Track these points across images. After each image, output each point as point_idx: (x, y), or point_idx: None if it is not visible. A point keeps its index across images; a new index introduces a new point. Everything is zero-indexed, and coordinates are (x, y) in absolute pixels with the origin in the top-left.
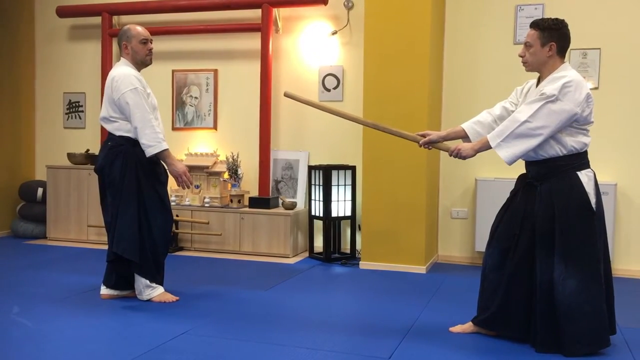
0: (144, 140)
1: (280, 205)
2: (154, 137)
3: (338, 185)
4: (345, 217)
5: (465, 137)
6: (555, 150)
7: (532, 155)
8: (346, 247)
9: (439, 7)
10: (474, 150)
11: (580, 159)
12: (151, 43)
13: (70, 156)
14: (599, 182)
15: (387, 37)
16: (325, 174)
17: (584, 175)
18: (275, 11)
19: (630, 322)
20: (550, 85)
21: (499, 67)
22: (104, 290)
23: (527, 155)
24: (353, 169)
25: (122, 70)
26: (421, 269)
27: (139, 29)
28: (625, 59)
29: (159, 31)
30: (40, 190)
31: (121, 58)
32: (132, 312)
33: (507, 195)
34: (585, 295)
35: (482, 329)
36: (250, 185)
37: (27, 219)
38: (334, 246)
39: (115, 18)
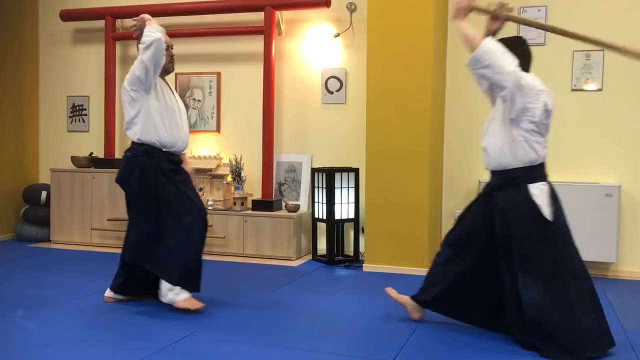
0: (145, 39)
1: (284, 207)
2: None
3: (341, 188)
4: (348, 220)
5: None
6: (509, 160)
7: (486, 163)
8: (349, 249)
9: (442, 8)
10: (463, 26)
11: (533, 172)
12: (172, 49)
13: (74, 159)
14: (603, 184)
15: (390, 39)
16: (328, 176)
17: (535, 188)
18: (278, 14)
19: (635, 324)
20: None
21: None
22: (109, 294)
23: (487, 163)
24: (356, 171)
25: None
26: (425, 271)
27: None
28: (628, 61)
29: None
30: (44, 194)
31: None
32: (135, 315)
33: None
34: (551, 307)
35: (416, 305)
36: (253, 188)
37: (31, 222)
38: (337, 249)
39: (118, 21)
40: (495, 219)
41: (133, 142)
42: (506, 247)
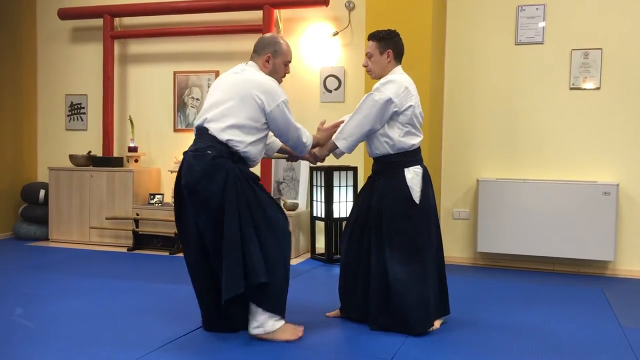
0: (308, 144)
1: (282, 206)
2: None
3: (339, 186)
4: (347, 218)
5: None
6: (386, 148)
7: (368, 151)
8: None
9: (440, 8)
10: (328, 150)
11: (409, 157)
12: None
13: (72, 158)
14: (601, 182)
15: None
16: (326, 175)
17: (410, 172)
18: (277, 12)
19: (633, 322)
20: (378, 83)
21: (500, 68)
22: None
23: (369, 151)
24: (354, 169)
25: (269, 78)
26: None
27: (287, 47)
28: (626, 59)
29: (160, 33)
30: (42, 192)
31: (253, 63)
32: (136, 313)
33: (509, 195)
34: (412, 284)
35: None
36: None
37: (30, 220)
38: (335, 247)
39: (116, 20)
40: (373, 201)
41: (215, 138)
42: (379, 227)
